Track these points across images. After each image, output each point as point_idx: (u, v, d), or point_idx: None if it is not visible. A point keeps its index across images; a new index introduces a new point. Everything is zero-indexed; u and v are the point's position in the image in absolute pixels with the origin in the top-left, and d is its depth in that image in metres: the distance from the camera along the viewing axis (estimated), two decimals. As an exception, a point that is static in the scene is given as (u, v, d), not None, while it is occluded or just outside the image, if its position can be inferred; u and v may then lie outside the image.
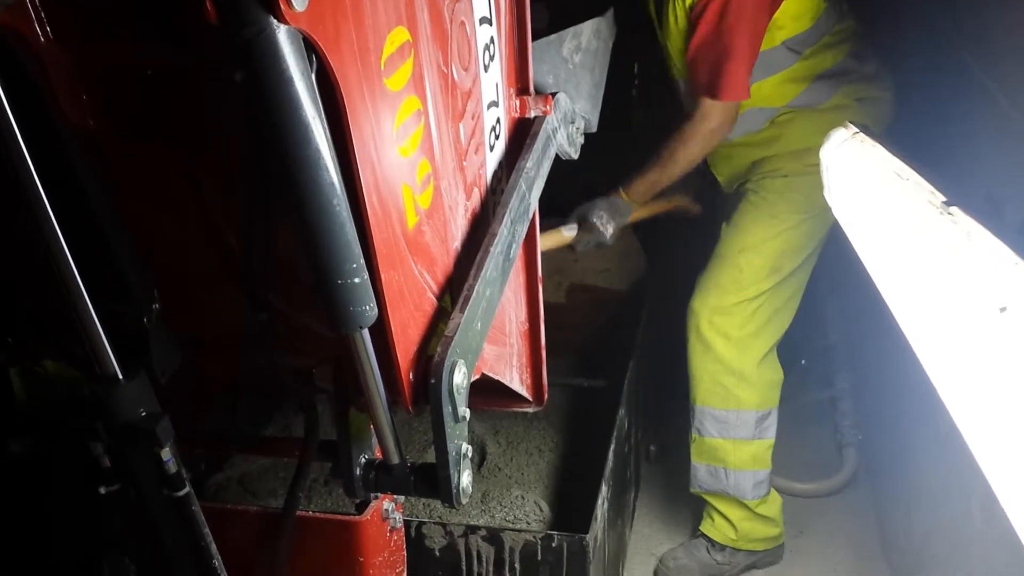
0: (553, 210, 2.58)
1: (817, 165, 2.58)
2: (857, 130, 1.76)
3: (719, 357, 2.68)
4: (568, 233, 2.66)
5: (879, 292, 1.26)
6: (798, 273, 2.70)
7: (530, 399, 1.72)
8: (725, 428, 2.73)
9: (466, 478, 1.20)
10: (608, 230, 2.63)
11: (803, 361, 3.77)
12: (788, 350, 2.96)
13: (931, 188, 1.12)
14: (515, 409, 1.74)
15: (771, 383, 2.76)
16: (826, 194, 1.92)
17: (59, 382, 1.37)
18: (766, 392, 2.75)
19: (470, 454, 1.21)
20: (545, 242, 2.53)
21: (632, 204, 2.68)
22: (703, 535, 2.88)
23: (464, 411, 1.15)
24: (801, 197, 2.61)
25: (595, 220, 2.61)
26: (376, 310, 1.00)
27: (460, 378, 1.12)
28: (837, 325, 3.88)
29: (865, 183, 1.57)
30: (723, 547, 2.84)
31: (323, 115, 0.84)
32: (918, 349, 0.95)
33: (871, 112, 2.61)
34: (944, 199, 1.01)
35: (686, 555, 2.88)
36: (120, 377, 1.09)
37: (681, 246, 3.44)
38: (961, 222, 0.90)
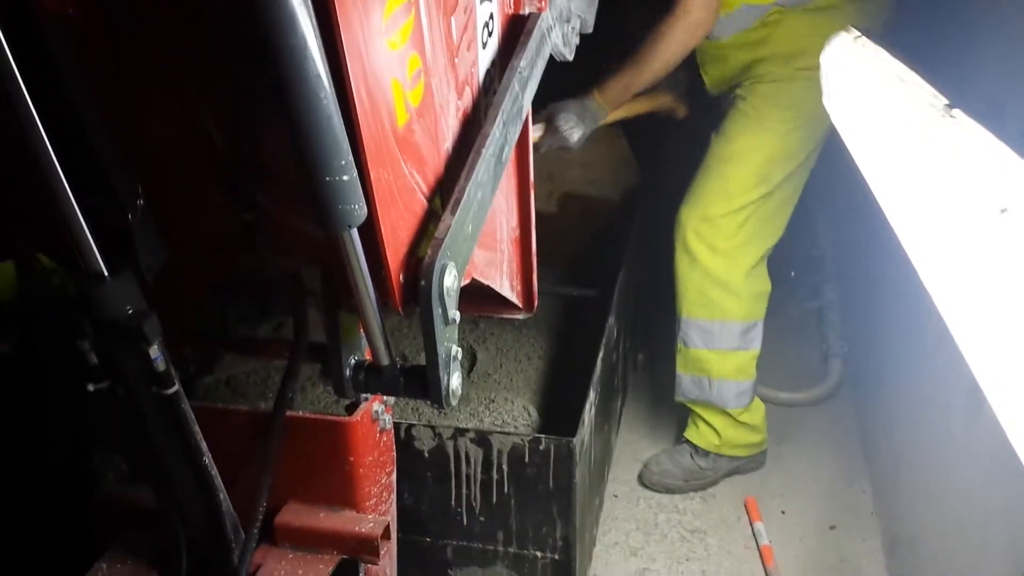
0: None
1: (807, 69, 2.59)
2: (859, 34, 1.72)
3: (705, 268, 2.68)
4: (534, 133, 2.54)
5: (875, 199, 1.25)
6: (788, 183, 2.67)
7: (520, 306, 1.72)
8: (710, 339, 2.76)
9: (455, 380, 1.20)
10: (574, 135, 2.55)
11: (792, 273, 3.79)
12: (777, 261, 2.97)
13: (933, 91, 1.10)
14: (505, 316, 1.73)
15: (758, 295, 2.77)
16: (824, 100, 1.89)
17: (55, 277, 1.35)
18: (753, 304, 2.76)
19: (459, 356, 1.21)
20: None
21: (606, 106, 2.59)
22: (687, 441, 2.95)
23: (454, 314, 1.14)
24: (790, 103, 2.58)
25: (561, 123, 2.53)
26: (365, 209, 0.98)
27: (451, 280, 1.11)
28: (827, 236, 3.89)
29: (866, 87, 1.54)
30: (706, 453, 2.90)
31: (309, 2, 0.80)
32: (913, 253, 0.94)
33: (865, 11, 2.55)
34: (946, 102, 0.99)
35: (669, 460, 2.94)
36: (105, 274, 1.07)
37: (675, 156, 3.42)
38: (963, 124, 0.88)
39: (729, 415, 2.85)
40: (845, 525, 2.75)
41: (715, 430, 2.88)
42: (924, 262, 0.90)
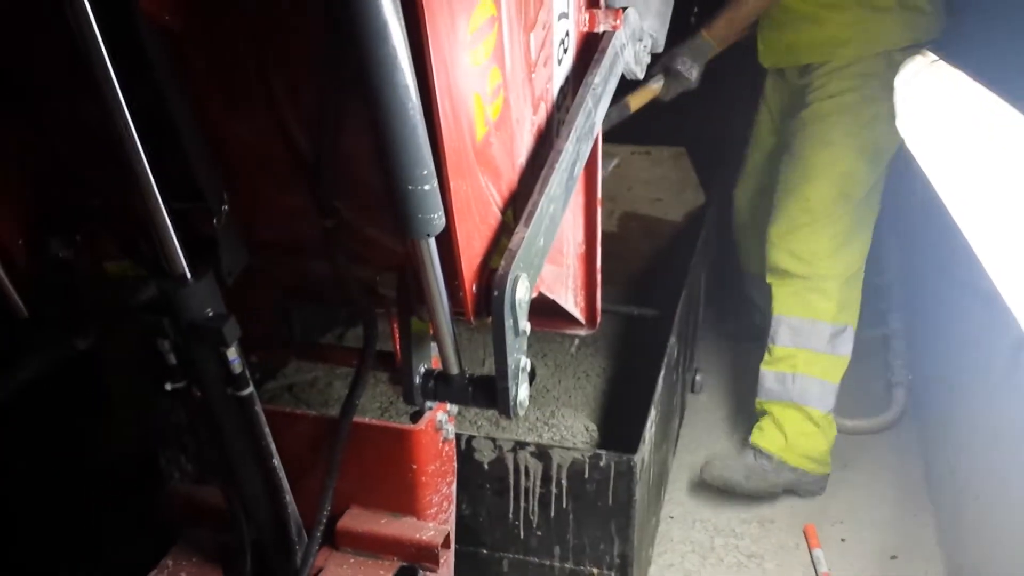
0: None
1: (861, 77, 2.65)
2: (935, 58, 1.70)
3: (798, 276, 2.80)
4: (655, 85, 2.70)
5: (953, 221, 1.23)
6: (869, 195, 2.77)
7: (583, 321, 1.72)
8: (799, 337, 2.84)
9: (523, 391, 1.21)
10: (693, 73, 2.70)
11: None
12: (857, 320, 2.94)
13: (1011, 108, 1.09)
14: (567, 331, 1.74)
15: (851, 302, 2.85)
16: (898, 123, 1.87)
17: (120, 284, 1.39)
18: (844, 308, 2.84)
19: (528, 368, 1.22)
20: (636, 101, 2.64)
21: (713, 42, 2.73)
22: (752, 445, 2.93)
23: (525, 325, 1.15)
24: (851, 118, 2.67)
25: (679, 66, 2.68)
26: (444, 219, 1.00)
27: (523, 292, 1.12)
28: (893, 263, 3.83)
29: (943, 112, 1.53)
30: (770, 456, 2.88)
31: (401, 13, 0.82)
32: (997, 278, 0.93)
33: (912, 24, 2.63)
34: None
35: (733, 459, 2.95)
36: (189, 276, 1.10)
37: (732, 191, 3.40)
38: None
39: (805, 414, 2.84)
40: (907, 555, 2.68)
41: (783, 433, 2.85)
42: (1008, 286, 0.89)
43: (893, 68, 2.53)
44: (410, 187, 0.93)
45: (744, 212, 3.32)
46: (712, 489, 2.94)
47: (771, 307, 2.90)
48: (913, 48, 2.55)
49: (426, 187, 0.94)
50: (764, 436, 2.90)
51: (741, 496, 2.88)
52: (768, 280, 2.88)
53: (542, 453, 1.96)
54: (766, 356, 2.91)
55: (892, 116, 2.27)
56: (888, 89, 2.53)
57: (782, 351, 2.86)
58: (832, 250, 2.77)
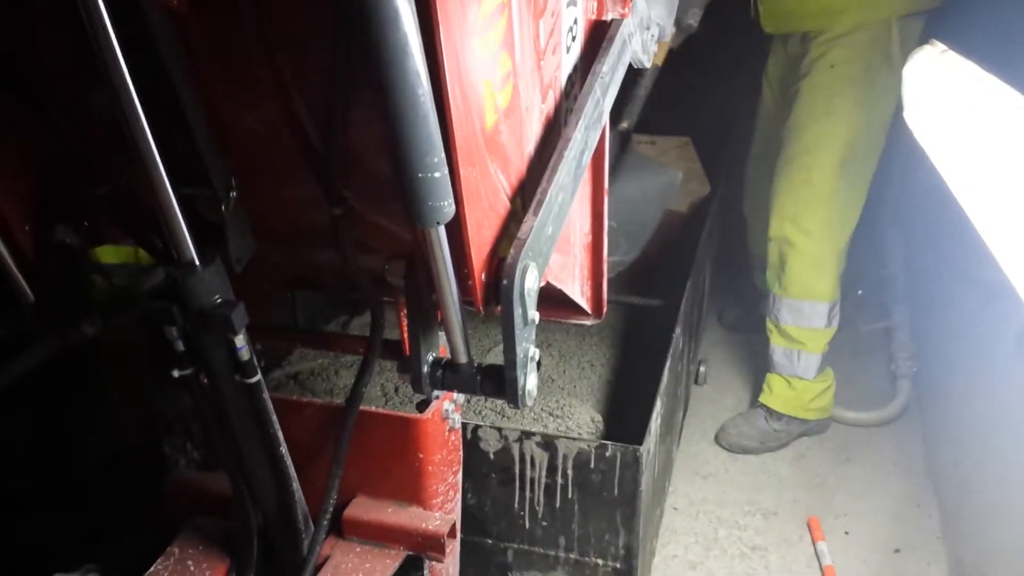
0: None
1: (860, 47, 2.67)
2: (945, 48, 1.69)
3: (801, 251, 2.89)
4: (677, 36, 2.76)
5: (962, 212, 1.23)
6: (864, 166, 2.83)
7: (589, 311, 1.72)
8: (800, 317, 2.98)
9: (532, 381, 1.21)
10: (696, 18, 2.74)
11: (860, 291, 3.73)
12: (845, 280, 3.00)
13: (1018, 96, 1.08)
14: (573, 321, 1.74)
15: (839, 275, 2.98)
16: (905, 115, 1.86)
17: (119, 274, 1.39)
18: (837, 285, 2.98)
19: (536, 357, 1.21)
20: (660, 57, 2.74)
21: None
22: (761, 405, 3.15)
23: (533, 314, 1.15)
24: (852, 87, 2.71)
25: (691, 21, 2.72)
26: (454, 207, 0.99)
27: (531, 281, 1.11)
28: (896, 256, 3.82)
29: (951, 103, 1.52)
30: (780, 416, 3.11)
31: (413, 1, 0.82)
32: (1007, 266, 0.92)
33: None
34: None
35: (745, 423, 3.16)
36: (197, 263, 1.10)
37: (744, 170, 3.40)
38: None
39: (807, 382, 3.05)
40: (910, 548, 2.68)
41: (792, 392, 3.07)
42: (1016, 273, 0.88)
43: (893, 38, 2.61)
44: (420, 174, 0.92)
45: (754, 190, 3.32)
46: (716, 481, 2.96)
47: (772, 280, 3.01)
48: (913, 17, 2.61)
49: (436, 174, 0.93)
50: (773, 397, 3.11)
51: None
52: (769, 250, 2.98)
53: (548, 443, 1.96)
54: (773, 330, 3.05)
55: (891, 86, 2.30)
56: (887, 58, 2.62)
57: (788, 329, 3.00)
58: (831, 219, 2.85)
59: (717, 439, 3.18)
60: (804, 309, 2.95)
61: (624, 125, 2.80)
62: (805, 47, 2.82)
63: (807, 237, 2.85)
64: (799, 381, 3.06)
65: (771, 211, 2.93)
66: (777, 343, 3.06)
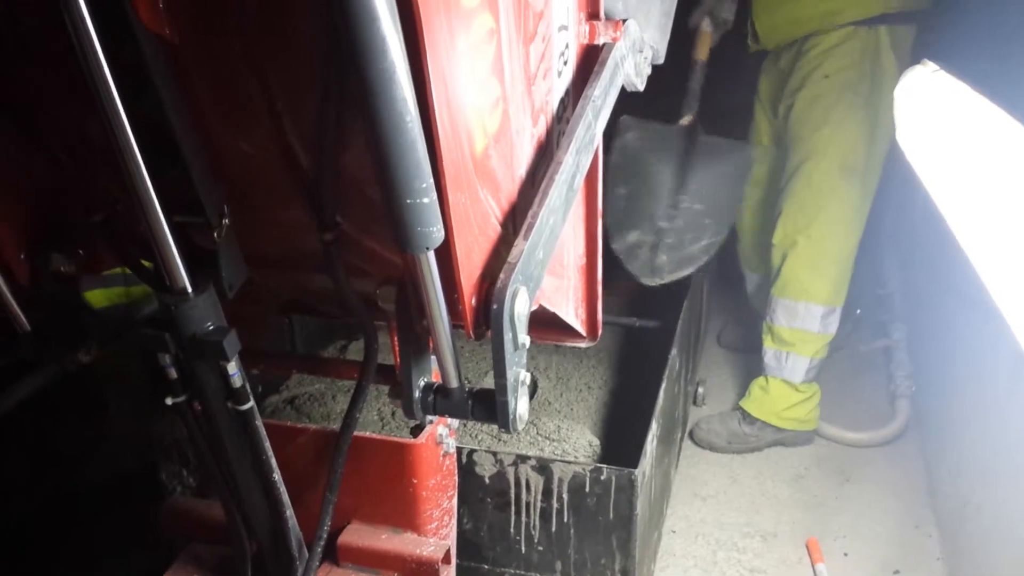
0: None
1: (855, 55, 2.76)
2: (937, 68, 1.71)
3: (800, 252, 2.93)
4: (707, 29, 2.89)
5: (951, 233, 1.23)
6: (868, 171, 2.86)
7: (584, 334, 1.72)
8: (794, 318, 3.01)
9: (523, 405, 1.21)
10: (731, 12, 2.87)
11: (858, 311, 3.73)
12: (845, 299, 2.97)
13: (1011, 119, 1.09)
14: (568, 343, 1.74)
15: (843, 284, 3.00)
16: (897, 135, 1.87)
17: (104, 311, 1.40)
18: (836, 290, 2.99)
19: (527, 381, 1.21)
20: (702, 53, 2.90)
21: None
22: (739, 408, 3.21)
23: (524, 338, 1.15)
24: (849, 95, 2.78)
25: (726, 15, 2.87)
26: (443, 232, 0.99)
27: (522, 305, 1.12)
28: (894, 275, 3.83)
29: (943, 124, 1.52)
30: (754, 420, 3.16)
31: (400, 28, 0.82)
32: (995, 291, 0.93)
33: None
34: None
35: (719, 422, 3.22)
36: (190, 291, 1.10)
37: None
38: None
39: (792, 387, 3.08)
40: (910, 569, 2.67)
41: (771, 400, 3.10)
42: (1006, 299, 0.88)
43: (883, 45, 2.68)
44: (409, 200, 0.92)
45: (745, 206, 3.35)
46: (715, 502, 2.95)
47: (773, 283, 3.05)
48: (903, 25, 2.69)
49: (425, 200, 0.93)
50: (752, 402, 3.16)
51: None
52: (772, 256, 3.02)
53: (543, 467, 1.95)
54: (767, 333, 3.10)
55: (888, 92, 2.33)
56: (880, 66, 2.70)
57: (781, 330, 3.04)
58: (832, 221, 2.88)
59: (690, 434, 3.26)
60: (798, 310, 2.99)
61: (685, 120, 2.86)
62: (798, 60, 2.86)
63: (807, 238, 2.90)
64: (777, 386, 3.09)
65: (776, 222, 2.99)
66: (769, 345, 3.11)
